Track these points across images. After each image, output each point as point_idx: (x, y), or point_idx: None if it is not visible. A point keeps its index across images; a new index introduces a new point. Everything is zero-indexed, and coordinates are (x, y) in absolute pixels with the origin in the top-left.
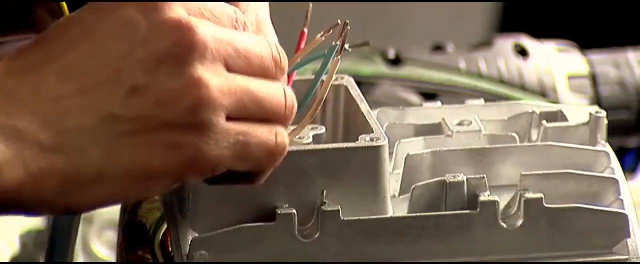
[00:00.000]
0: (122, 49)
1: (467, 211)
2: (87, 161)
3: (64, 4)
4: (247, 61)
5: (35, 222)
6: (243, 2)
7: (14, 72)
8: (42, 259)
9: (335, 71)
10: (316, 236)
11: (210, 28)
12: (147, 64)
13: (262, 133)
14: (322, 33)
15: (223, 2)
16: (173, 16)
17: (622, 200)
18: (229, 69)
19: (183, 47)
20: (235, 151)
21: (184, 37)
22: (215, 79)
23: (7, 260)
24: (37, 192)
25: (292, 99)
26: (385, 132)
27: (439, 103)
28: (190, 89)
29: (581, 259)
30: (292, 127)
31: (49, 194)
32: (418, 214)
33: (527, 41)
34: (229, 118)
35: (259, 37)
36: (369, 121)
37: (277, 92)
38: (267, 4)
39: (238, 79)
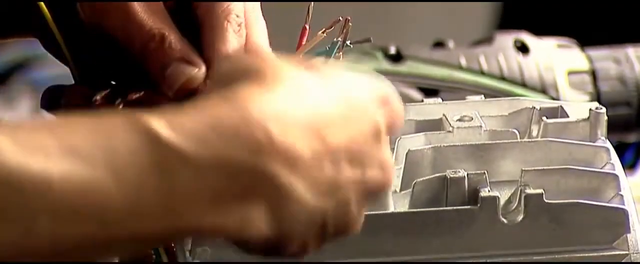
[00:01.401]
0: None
1: (468, 207)
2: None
3: (43, 4)
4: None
5: None
6: (228, 2)
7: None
8: None
9: None
10: None
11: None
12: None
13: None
14: (323, 29)
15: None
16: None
17: (622, 196)
18: None
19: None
20: None
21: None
22: None
23: None
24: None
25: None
26: None
27: (439, 99)
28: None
29: (581, 255)
30: None
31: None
32: (419, 209)
33: (527, 37)
34: None
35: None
36: None
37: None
38: (257, 4)
39: None
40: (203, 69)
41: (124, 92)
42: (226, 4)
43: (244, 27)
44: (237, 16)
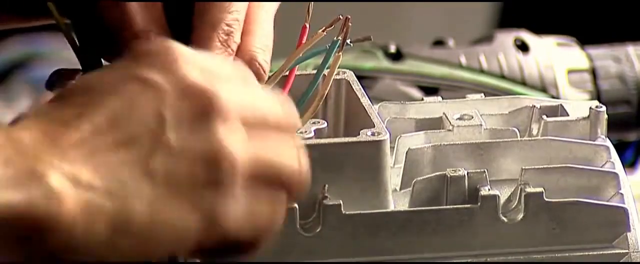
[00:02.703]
0: (155, 108)
1: (468, 206)
2: (132, 212)
3: (52, 4)
4: (263, 121)
5: None
6: (228, 2)
7: (51, 131)
8: None
9: (337, 66)
10: (318, 230)
11: (228, 90)
12: (179, 125)
13: (273, 206)
14: (323, 28)
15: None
16: (195, 81)
17: (622, 194)
18: (247, 128)
19: (207, 110)
20: (246, 218)
21: (209, 102)
22: (236, 142)
23: None
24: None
25: (306, 165)
26: (386, 127)
27: (439, 98)
28: (216, 151)
29: (581, 254)
30: None
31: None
32: (419, 208)
33: (527, 36)
34: (246, 183)
35: (269, 95)
36: (370, 115)
37: (293, 156)
38: (271, 5)
39: (257, 144)
40: None
41: None
42: (219, 8)
43: (236, 35)
44: (228, 25)
